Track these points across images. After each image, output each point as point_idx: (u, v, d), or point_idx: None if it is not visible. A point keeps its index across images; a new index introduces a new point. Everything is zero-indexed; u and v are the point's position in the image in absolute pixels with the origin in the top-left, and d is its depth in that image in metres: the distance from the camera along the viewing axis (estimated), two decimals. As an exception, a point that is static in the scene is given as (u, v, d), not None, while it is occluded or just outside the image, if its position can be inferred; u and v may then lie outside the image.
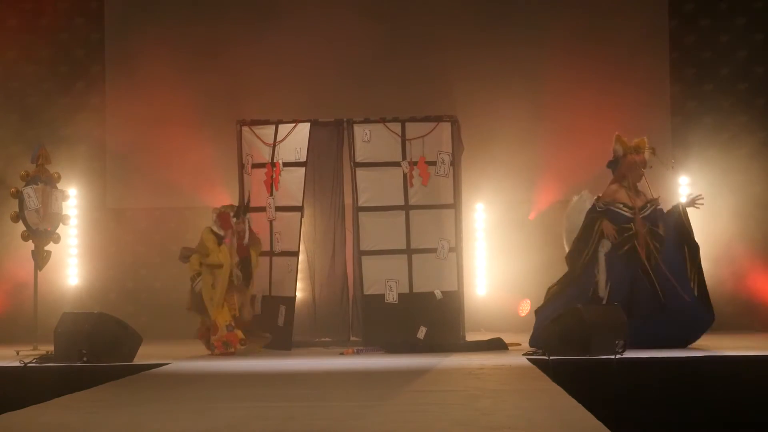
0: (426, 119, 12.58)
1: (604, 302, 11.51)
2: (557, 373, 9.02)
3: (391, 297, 12.38)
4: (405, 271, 12.41)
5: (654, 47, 14.75)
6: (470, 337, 12.60)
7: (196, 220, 14.05)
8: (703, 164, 14.44)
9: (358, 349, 11.87)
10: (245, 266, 11.92)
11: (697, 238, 11.89)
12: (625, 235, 11.70)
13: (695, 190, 14.30)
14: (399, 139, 12.48)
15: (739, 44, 14.74)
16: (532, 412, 7.15)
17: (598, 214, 11.79)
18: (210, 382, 9.50)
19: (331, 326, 12.95)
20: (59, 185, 12.99)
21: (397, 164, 12.48)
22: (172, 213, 14.86)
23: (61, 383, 9.08)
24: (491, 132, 14.36)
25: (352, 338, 12.74)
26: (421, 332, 12.20)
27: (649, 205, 11.83)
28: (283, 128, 12.54)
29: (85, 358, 10.58)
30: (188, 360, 11.24)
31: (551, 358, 10.30)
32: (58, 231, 12.97)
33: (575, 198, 12.13)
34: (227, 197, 13.55)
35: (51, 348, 11.11)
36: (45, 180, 12.82)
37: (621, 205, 11.81)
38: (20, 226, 12.79)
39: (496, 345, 12.00)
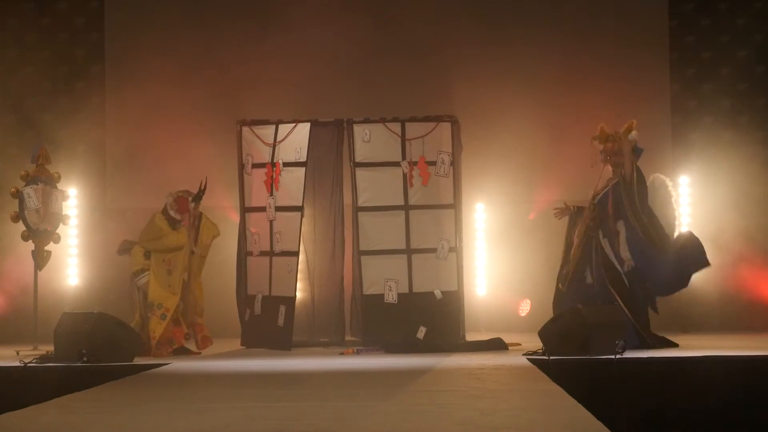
0: (426, 119, 12.57)
1: (625, 268, 11.61)
2: (556, 372, 9.02)
3: (391, 297, 12.37)
4: (405, 271, 12.41)
5: (654, 47, 14.75)
6: (470, 337, 12.59)
7: (195, 220, 14.04)
8: (703, 164, 14.44)
9: (358, 349, 11.87)
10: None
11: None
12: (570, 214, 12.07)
13: (695, 190, 14.36)
14: (399, 139, 12.48)
15: (739, 44, 14.74)
16: (532, 412, 7.15)
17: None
18: (210, 382, 9.51)
19: (329, 326, 12.94)
20: (59, 185, 12.98)
21: (397, 164, 12.48)
22: (172, 213, 14.85)
23: (61, 383, 9.08)
24: (491, 132, 14.35)
25: (348, 338, 12.76)
26: (421, 332, 12.20)
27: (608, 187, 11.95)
28: (283, 128, 12.53)
29: (85, 358, 10.57)
30: (188, 360, 11.25)
31: (551, 357, 10.31)
32: (58, 231, 12.96)
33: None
34: (227, 197, 13.55)
35: (51, 348, 11.11)
36: (45, 180, 12.81)
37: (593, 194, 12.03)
38: (20, 226, 12.79)
39: (496, 345, 11.99)
